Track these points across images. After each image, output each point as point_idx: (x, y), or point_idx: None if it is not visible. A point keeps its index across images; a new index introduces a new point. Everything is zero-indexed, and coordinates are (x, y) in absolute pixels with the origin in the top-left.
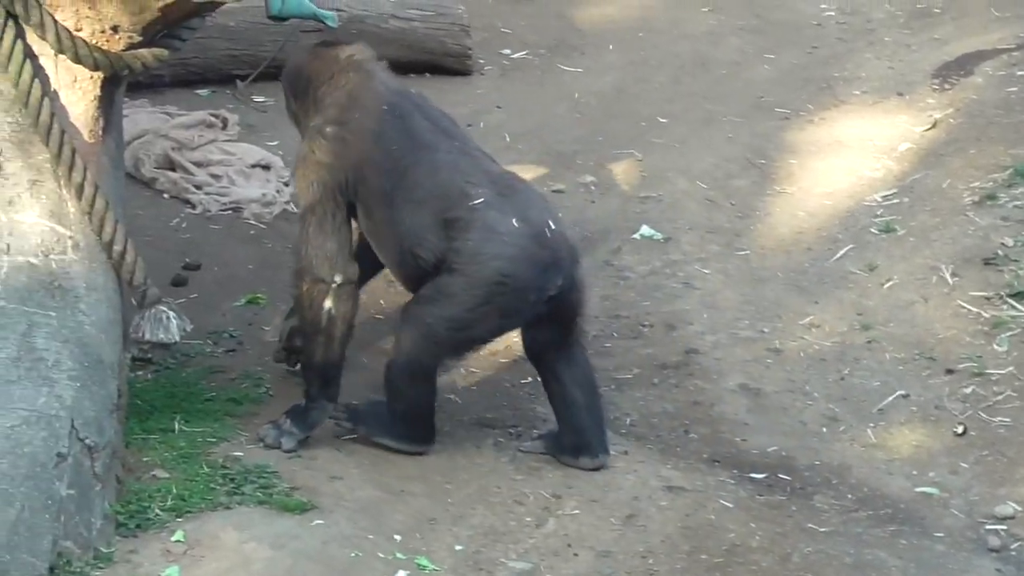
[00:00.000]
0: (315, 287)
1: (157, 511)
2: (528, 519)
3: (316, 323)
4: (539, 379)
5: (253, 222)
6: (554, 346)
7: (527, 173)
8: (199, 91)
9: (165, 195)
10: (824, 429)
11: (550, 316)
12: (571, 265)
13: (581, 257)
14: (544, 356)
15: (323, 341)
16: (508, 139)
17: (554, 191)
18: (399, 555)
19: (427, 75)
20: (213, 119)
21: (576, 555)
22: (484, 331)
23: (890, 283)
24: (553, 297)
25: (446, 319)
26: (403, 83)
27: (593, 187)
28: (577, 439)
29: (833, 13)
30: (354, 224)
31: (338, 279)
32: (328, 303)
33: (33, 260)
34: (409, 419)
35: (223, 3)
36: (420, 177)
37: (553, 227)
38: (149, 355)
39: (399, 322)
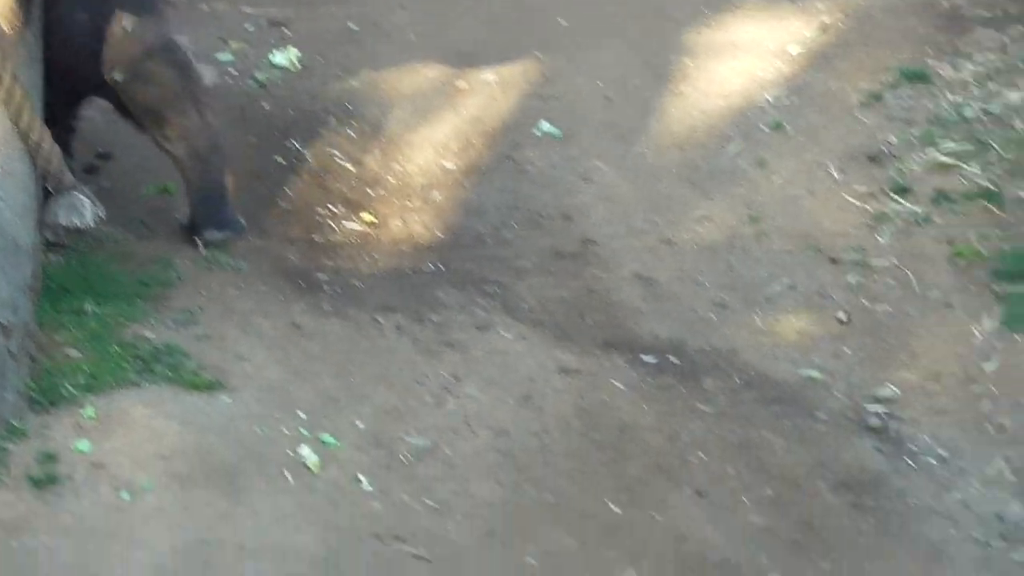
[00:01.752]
0: None
1: (69, 388)
2: (428, 399)
3: None
4: (440, 267)
5: None
6: None
7: (430, 71)
8: None
9: None
10: (713, 316)
11: None
12: None
13: None
14: None
15: None
16: (413, 38)
17: (456, 89)
18: (304, 432)
19: None
20: None
21: (474, 433)
22: None
23: (778, 178)
24: None
25: None
26: None
27: (495, 85)
28: None
29: None
30: None
31: None
32: None
33: None
34: None
35: None
36: None
37: None
38: (63, 239)
39: None
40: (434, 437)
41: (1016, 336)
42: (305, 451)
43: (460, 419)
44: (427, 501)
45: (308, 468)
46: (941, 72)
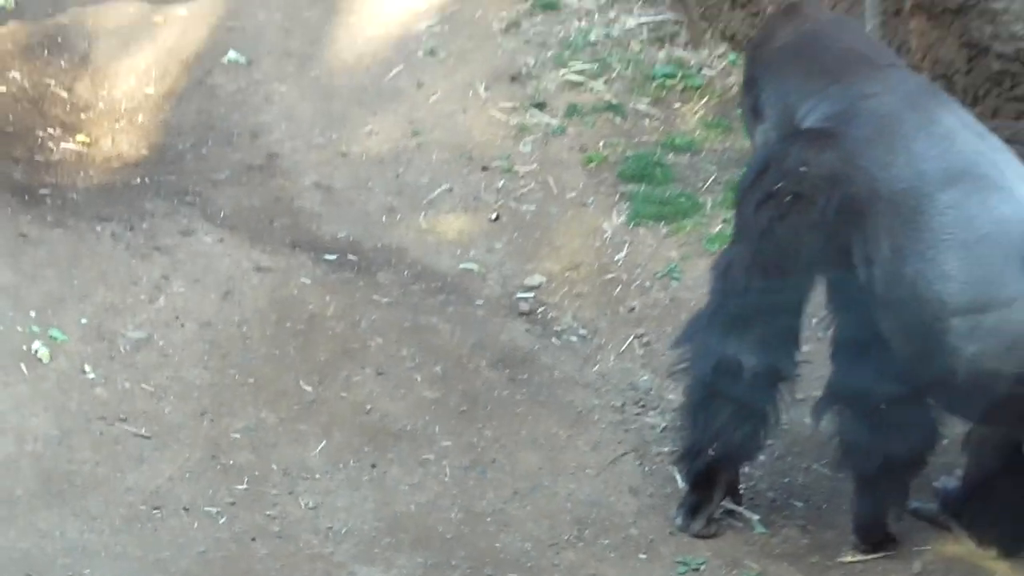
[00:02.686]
0: None
1: None
2: (142, 297)
3: None
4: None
5: None
6: None
7: (130, 8)
8: None
9: None
10: (384, 218)
11: None
12: None
13: None
14: None
15: None
16: None
17: (153, 23)
18: (34, 328)
19: None
20: None
21: (183, 325)
22: None
23: (435, 97)
24: None
25: None
26: None
27: (188, 19)
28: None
29: None
30: None
31: None
32: None
33: None
34: None
35: None
36: None
37: None
38: None
39: None
40: (149, 330)
41: (640, 229)
42: (36, 345)
43: (171, 314)
44: (145, 386)
45: (40, 360)
46: (569, 1)
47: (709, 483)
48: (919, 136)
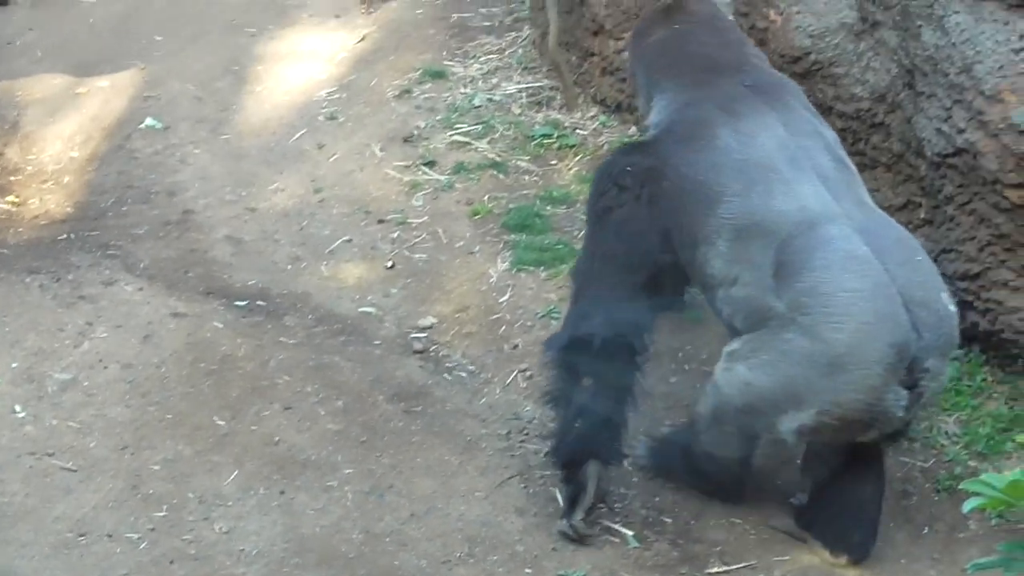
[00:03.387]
0: None
1: None
2: (68, 342)
3: None
4: (72, 236)
5: None
6: None
7: (56, 80)
8: None
9: None
10: (290, 267)
11: None
12: None
13: None
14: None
15: None
16: (40, 54)
17: (77, 93)
18: None
19: None
20: None
21: (106, 367)
22: None
23: (335, 157)
24: None
25: None
26: None
27: (109, 89)
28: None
29: None
30: None
31: None
32: None
33: None
34: None
35: None
36: None
37: None
38: None
39: None
40: (74, 372)
41: (522, 274)
42: None
43: (95, 357)
44: (71, 423)
45: None
46: (455, 70)
47: (581, 474)
48: (724, 135)
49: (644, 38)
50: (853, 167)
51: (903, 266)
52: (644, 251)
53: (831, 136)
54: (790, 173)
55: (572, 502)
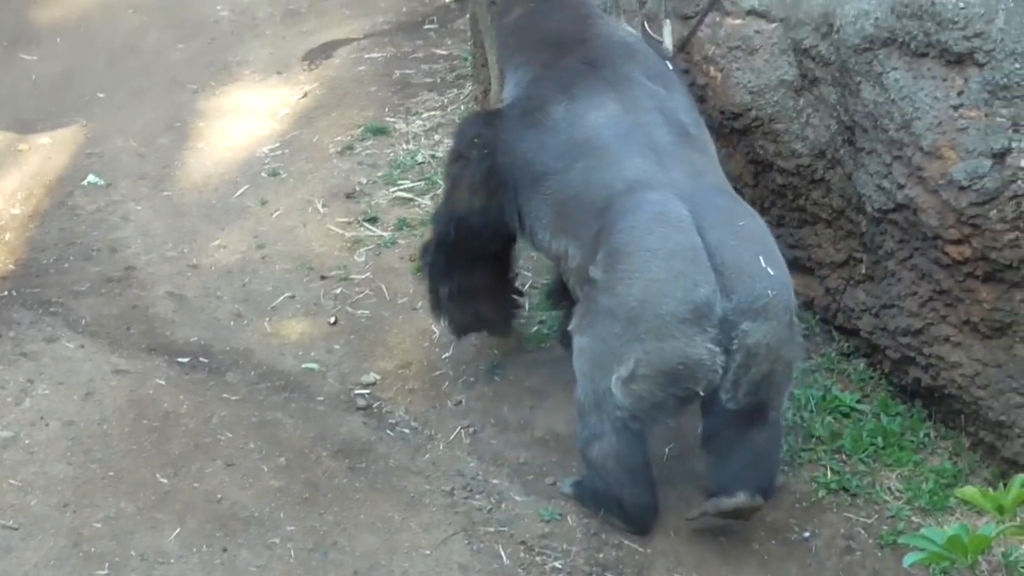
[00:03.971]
0: None
1: None
2: (9, 399)
3: None
4: (14, 293)
5: None
6: None
7: None
8: None
9: None
10: (232, 323)
11: None
12: None
13: None
14: None
15: None
16: None
17: (19, 150)
18: None
19: None
20: None
21: (48, 424)
22: None
23: (278, 213)
24: None
25: None
26: None
27: (51, 146)
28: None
29: (227, 13)
30: None
31: None
32: None
33: None
34: None
35: None
36: None
37: None
38: None
39: None
40: (15, 429)
41: None
42: None
43: (36, 414)
44: (12, 481)
45: None
46: (397, 127)
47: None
48: (555, 112)
49: (503, 18)
50: (699, 135)
51: (719, 230)
52: (484, 222)
53: (682, 103)
54: (618, 148)
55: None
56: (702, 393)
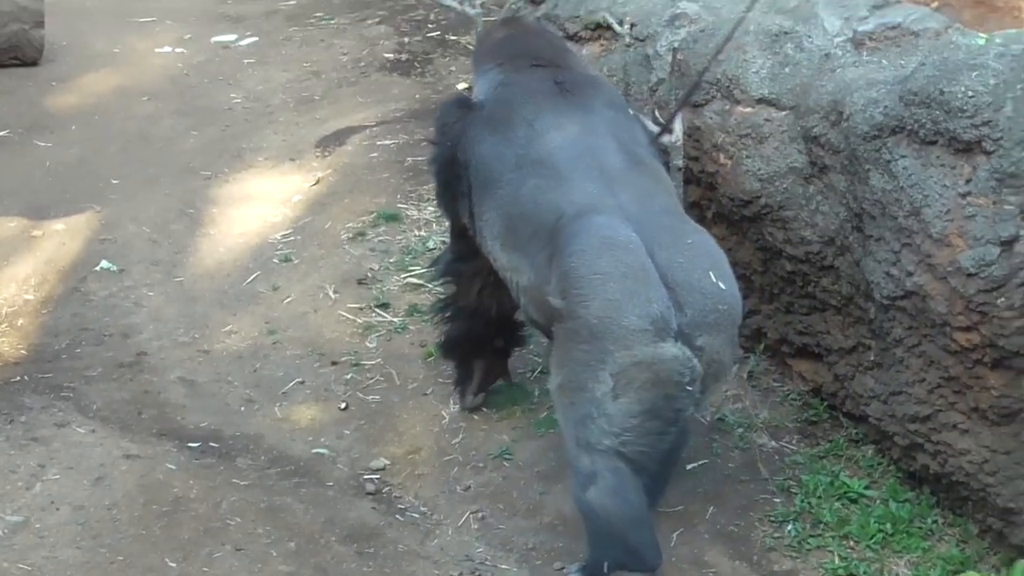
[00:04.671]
0: None
1: None
2: (20, 484)
3: None
4: (26, 378)
5: None
6: None
7: (11, 223)
8: None
9: None
10: (243, 408)
11: None
12: None
13: None
14: None
15: None
16: None
17: (32, 236)
18: None
19: None
20: None
21: (58, 509)
22: None
23: (289, 299)
24: None
25: None
26: None
27: (64, 232)
28: None
29: (240, 100)
30: None
31: None
32: None
33: None
34: None
35: None
36: None
37: None
38: None
39: None
40: (26, 514)
41: (474, 416)
42: None
43: (46, 499)
44: (22, 566)
45: None
46: (409, 213)
47: (468, 363)
48: (518, 124)
49: (483, 43)
50: (652, 164)
51: (668, 250)
52: (456, 200)
53: (639, 135)
54: (569, 170)
55: (461, 386)
56: (688, 392)
